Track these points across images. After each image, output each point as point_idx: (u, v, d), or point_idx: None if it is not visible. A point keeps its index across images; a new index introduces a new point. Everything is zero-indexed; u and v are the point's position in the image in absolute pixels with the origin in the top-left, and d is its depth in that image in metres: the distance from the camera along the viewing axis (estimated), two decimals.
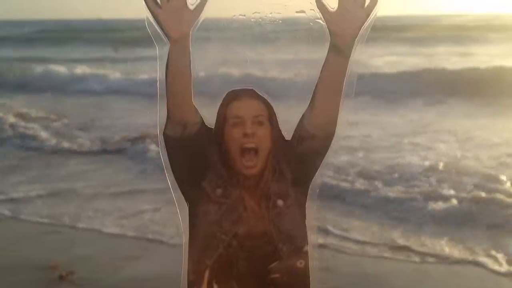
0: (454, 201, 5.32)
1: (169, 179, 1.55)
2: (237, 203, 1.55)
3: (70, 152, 7.84)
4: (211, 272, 1.55)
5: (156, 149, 7.50)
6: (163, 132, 1.54)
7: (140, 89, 13.64)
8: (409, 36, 26.82)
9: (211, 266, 1.55)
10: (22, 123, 9.61)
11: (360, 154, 7.06)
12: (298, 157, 1.57)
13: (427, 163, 6.66)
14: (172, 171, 1.55)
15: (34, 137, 8.63)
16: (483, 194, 5.44)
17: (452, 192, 5.58)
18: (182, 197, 1.57)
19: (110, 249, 4.71)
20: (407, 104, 11.09)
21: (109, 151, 7.84)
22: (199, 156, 1.55)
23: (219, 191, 1.55)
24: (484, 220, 4.92)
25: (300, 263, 1.56)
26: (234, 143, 1.55)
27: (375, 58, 16.39)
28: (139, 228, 5.07)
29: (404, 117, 9.94)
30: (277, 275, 1.56)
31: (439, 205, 5.27)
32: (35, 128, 9.24)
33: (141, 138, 8.19)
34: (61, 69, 17.43)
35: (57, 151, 7.86)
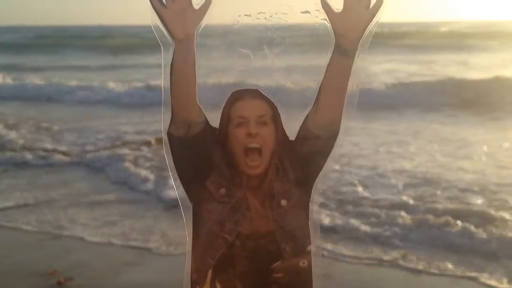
0: (429, 214, 5.22)
1: (173, 178, 1.55)
2: (241, 203, 1.56)
3: (50, 162, 7.80)
4: (214, 271, 1.55)
5: (135, 154, 7.59)
6: (167, 131, 1.54)
7: (136, 97, 13.59)
8: (406, 43, 26.98)
9: (214, 265, 1.55)
10: (3, 132, 9.59)
11: (345, 161, 7.02)
12: (302, 158, 1.57)
13: (408, 174, 6.61)
14: (176, 170, 1.55)
15: (13, 147, 8.57)
16: (460, 207, 5.38)
17: (426, 204, 5.50)
18: (186, 196, 1.57)
19: (107, 256, 4.70)
20: (402, 113, 11.05)
21: (87, 160, 7.79)
22: (203, 156, 1.56)
23: (222, 190, 1.56)
24: (463, 234, 4.82)
25: (303, 263, 1.56)
26: (238, 143, 1.55)
27: (372, 65, 16.42)
28: (128, 236, 5.07)
29: (397, 126, 9.89)
30: (280, 275, 1.56)
31: (411, 217, 5.19)
32: (15, 138, 9.19)
33: (122, 146, 8.32)
34: (52, 76, 17.38)
35: (36, 161, 7.82)
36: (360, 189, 6.04)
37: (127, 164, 7.17)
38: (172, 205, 5.65)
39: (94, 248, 4.84)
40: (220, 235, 1.55)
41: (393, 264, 4.40)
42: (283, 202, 1.56)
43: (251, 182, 1.57)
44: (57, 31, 45.82)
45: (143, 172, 6.82)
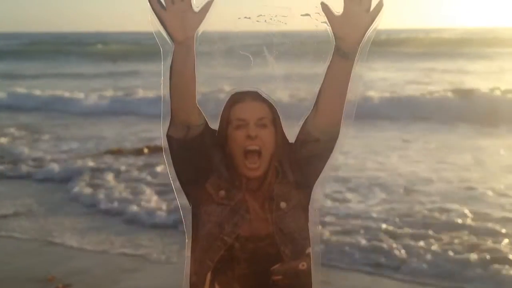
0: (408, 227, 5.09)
1: (172, 180, 1.55)
2: (240, 205, 1.56)
3: (30, 172, 7.63)
4: (213, 273, 1.55)
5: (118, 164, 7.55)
6: (166, 134, 1.54)
7: (130, 105, 13.42)
8: (404, 50, 27.00)
9: (213, 267, 1.55)
10: None
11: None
12: (301, 160, 1.57)
13: (390, 183, 6.52)
14: (176, 172, 1.55)
15: None
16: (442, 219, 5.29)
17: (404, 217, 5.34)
18: (186, 200, 1.57)
19: (106, 263, 4.68)
20: (397, 122, 10.91)
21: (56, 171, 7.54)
22: (203, 158, 1.56)
23: (222, 193, 1.56)
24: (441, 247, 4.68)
25: (302, 266, 1.56)
26: (238, 145, 1.55)
27: (369, 73, 16.36)
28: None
29: (389, 135, 9.78)
30: (279, 277, 1.56)
31: (391, 228, 5.08)
32: None
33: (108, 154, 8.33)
34: (45, 84, 17.30)
35: (12, 172, 7.66)
36: (337, 198, 5.96)
37: (103, 175, 7.08)
38: (130, 220, 5.59)
39: (92, 255, 4.82)
40: (219, 237, 1.54)
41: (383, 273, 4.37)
42: (283, 205, 1.56)
43: (251, 184, 1.56)
44: (53, 38, 45.72)
45: (115, 184, 6.69)
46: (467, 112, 11.12)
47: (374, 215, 5.46)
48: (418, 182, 6.65)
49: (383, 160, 7.82)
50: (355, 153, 7.96)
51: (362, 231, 5.03)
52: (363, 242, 4.79)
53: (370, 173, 7.09)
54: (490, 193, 6.16)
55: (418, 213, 5.50)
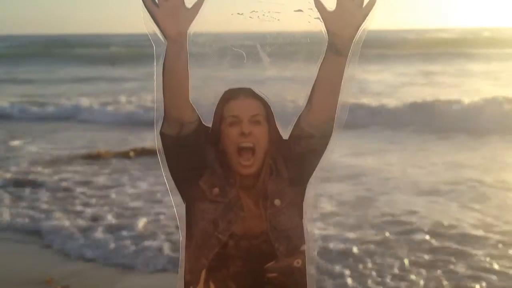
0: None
1: (166, 178, 1.54)
2: (234, 203, 1.55)
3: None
4: (207, 271, 1.55)
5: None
6: (160, 131, 1.54)
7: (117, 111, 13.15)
8: (397, 52, 26.99)
9: (207, 265, 1.55)
10: None
11: None
12: (295, 157, 1.57)
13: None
14: (169, 169, 1.55)
15: None
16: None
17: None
18: (180, 198, 1.57)
19: (104, 264, 4.67)
20: (385, 127, 10.61)
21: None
22: (196, 155, 1.55)
23: (216, 190, 1.55)
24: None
25: (297, 263, 1.56)
26: (231, 142, 1.54)
27: (362, 75, 16.26)
28: None
29: (373, 138, 9.68)
30: (274, 275, 1.56)
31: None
32: None
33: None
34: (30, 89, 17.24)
35: None
36: None
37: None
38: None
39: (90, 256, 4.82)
40: (213, 235, 1.54)
41: None
42: (277, 202, 1.56)
43: (245, 181, 1.56)
44: (43, 40, 45.50)
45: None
46: (461, 118, 10.78)
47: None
48: (382, 189, 6.47)
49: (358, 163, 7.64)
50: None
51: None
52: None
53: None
54: (455, 204, 5.90)
55: (371, 223, 5.36)
